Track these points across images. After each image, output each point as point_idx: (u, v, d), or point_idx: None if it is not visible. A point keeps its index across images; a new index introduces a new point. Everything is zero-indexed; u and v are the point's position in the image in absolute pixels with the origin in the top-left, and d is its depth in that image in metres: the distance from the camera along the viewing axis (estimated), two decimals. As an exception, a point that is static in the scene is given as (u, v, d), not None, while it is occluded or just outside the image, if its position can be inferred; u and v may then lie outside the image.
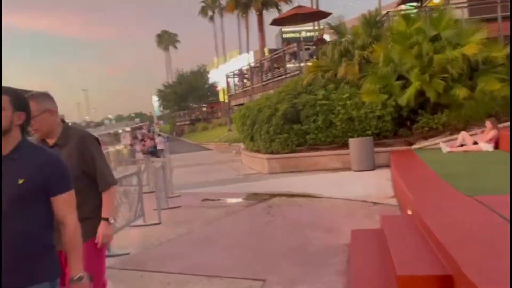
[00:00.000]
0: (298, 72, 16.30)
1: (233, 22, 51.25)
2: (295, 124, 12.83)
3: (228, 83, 26.56)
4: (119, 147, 23.69)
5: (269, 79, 18.98)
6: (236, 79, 24.95)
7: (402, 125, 12.55)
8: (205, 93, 54.13)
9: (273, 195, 8.67)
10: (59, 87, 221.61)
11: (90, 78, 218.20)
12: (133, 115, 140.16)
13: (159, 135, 28.28)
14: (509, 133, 8.53)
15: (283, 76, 17.37)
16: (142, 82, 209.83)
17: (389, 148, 11.78)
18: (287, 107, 12.99)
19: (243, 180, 11.87)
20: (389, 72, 12.23)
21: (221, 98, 43.93)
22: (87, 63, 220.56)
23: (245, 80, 22.99)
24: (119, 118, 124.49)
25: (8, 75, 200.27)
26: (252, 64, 22.72)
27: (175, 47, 75.52)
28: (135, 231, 6.54)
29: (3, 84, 2.05)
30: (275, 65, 18.65)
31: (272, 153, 13.15)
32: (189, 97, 53.30)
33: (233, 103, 25.93)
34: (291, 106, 13.07)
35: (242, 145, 18.24)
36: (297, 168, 12.42)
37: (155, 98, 67.51)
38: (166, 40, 74.26)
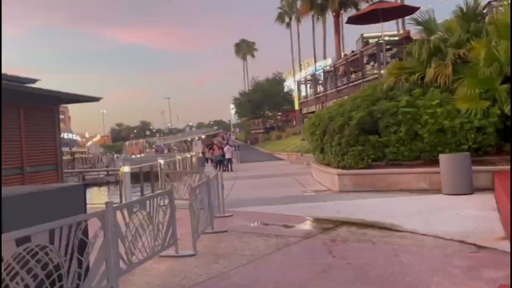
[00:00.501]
0: (377, 76, 14.34)
1: (311, 29, 49.62)
2: (372, 135, 11.00)
3: (299, 90, 25.09)
4: (189, 155, 23.26)
5: (344, 84, 17.18)
6: (309, 85, 23.39)
7: (508, 138, 10.12)
8: (280, 101, 53.07)
9: (340, 223, 7.02)
10: (148, 96, 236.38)
11: (178, 88, 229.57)
12: (212, 122, 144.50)
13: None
14: None
15: (360, 81, 15.51)
16: (223, 91, 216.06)
17: (491, 167, 9.50)
18: (362, 115, 11.21)
19: (308, 198, 10.29)
20: (492, 74, 9.96)
21: (296, 107, 42.51)
22: (176, 74, 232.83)
23: (318, 87, 21.35)
24: (200, 126, 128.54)
25: (105, 84, 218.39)
26: (326, 68, 21.03)
27: (253, 55, 75.88)
28: (161, 264, 5.33)
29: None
30: (352, 69, 16.80)
31: (344, 168, 11.43)
32: (264, 105, 52.58)
33: (304, 110, 24.40)
34: (367, 114, 11.26)
35: (313, 157, 16.64)
36: (373, 187, 10.56)
37: (232, 107, 68.11)
38: (244, 49, 74.80)
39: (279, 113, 57.45)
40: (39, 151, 9.55)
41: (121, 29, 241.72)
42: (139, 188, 14.17)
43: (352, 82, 16.20)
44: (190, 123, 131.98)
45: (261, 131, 55.45)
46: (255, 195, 11.48)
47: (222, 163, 22.59)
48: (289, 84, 52.01)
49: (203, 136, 58.85)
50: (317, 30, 45.48)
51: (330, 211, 8.18)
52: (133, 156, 49.16)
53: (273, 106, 53.43)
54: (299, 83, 24.42)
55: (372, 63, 15.59)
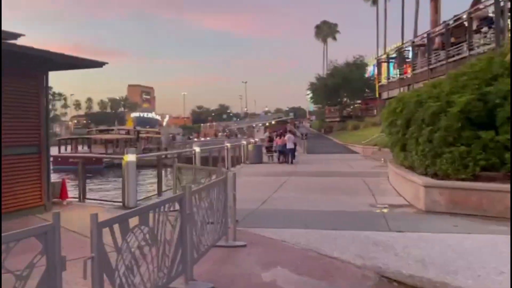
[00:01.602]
0: (493, 47, 10.13)
1: (400, 5, 43.82)
2: (484, 131, 7.21)
3: (380, 71, 20.85)
4: (244, 142, 20.49)
5: (440, 61, 12.97)
6: (393, 65, 19.13)
7: None
8: (360, 88, 48.01)
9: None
10: (228, 81, 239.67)
11: (258, 73, 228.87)
12: (286, 109, 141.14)
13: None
14: None
15: (465, 55, 11.30)
16: (303, 76, 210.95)
17: None
18: (470, 99, 7.42)
19: (375, 222, 6.83)
20: None
21: (377, 94, 37.79)
22: (258, 59, 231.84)
23: (405, 66, 17.10)
24: (278, 111, 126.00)
25: (187, 70, 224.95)
26: (417, 41, 16.67)
27: (335, 38, 70.71)
28: None
29: None
30: (453, 39, 12.56)
31: (435, 176, 7.80)
32: (341, 91, 47.93)
33: (385, 95, 20.21)
34: (478, 98, 7.44)
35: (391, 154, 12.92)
36: (480, 210, 6.85)
37: (308, 92, 64.10)
38: (326, 31, 69.93)
39: (358, 101, 52.45)
40: (14, 130, 7.24)
41: (206, 15, 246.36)
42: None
43: (453, 56, 12.01)
44: (266, 108, 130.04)
45: (337, 119, 51.09)
46: (301, 205, 8.25)
47: (282, 153, 19.47)
48: (372, 69, 46.79)
49: (273, 122, 55.96)
50: (408, 4, 39.77)
51: (408, 256, 4.74)
52: (195, 139, 47.82)
53: (352, 92, 48.53)
54: (379, 61, 20.18)
55: (485, 29, 11.27)
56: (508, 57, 7.47)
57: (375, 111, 47.04)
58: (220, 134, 64.95)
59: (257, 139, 23.78)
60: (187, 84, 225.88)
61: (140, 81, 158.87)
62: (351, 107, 51.93)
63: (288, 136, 20.07)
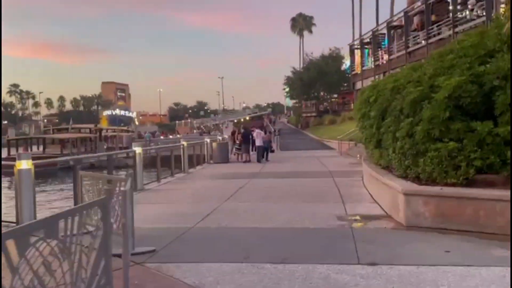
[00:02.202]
0: (482, 19, 8.56)
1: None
2: (479, 122, 5.61)
3: (354, 59, 19.25)
4: (208, 139, 18.65)
5: (419, 43, 11.41)
6: (368, 52, 17.54)
7: None
8: (337, 81, 46.61)
9: None
10: (206, 77, 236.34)
11: (236, 70, 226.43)
12: (269, 104, 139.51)
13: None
14: None
15: (449, 33, 9.73)
16: (282, 72, 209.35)
17: None
18: (460, 81, 5.79)
19: (340, 247, 5.11)
20: None
21: (352, 84, 36.38)
22: (235, 55, 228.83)
23: (380, 52, 15.54)
24: (257, 108, 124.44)
25: (164, 67, 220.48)
26: (393, 21, 15.07)
27: (311, 31, 69.10)
28: None
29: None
30: (433, 18, 11.00)
31: (417, 180, 6.19)
32: (316, 85, 46.34)
33: (359, 85, 18.64)
34: (470, 80, 5.82)
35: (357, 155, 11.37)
36: (477, 225, 5.27)
37: (285, 87, 62.39)
38: (301, 24, 68.35)
39: (335, 95, 51.10)
40: None
41: (181, 11, 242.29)
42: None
43: (434, 36, 10.43)
44: (244, 104, 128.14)
45: (314, 114, 49.66)
46: (251, 220, 6.50)
47: (263, 152, 17.57)
48: (348, 62, 45.38)
49: (247, 118, 54.17)
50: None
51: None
52: (161, 137, 45.54)
53: (328, 86, 47.02)
54: (352, 48, 18.59)
55: (472, 1, 9.69)
56: (508, 26, 5.85)
57: (352, 104, 45.83)
58: (195, 131, 62.95)
59: (225, 136, 21.96)
60: (165, 82, 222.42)
61: (115, 79, 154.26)
62: (328, 101, 50.54)
63: (256, 132, 18.33)
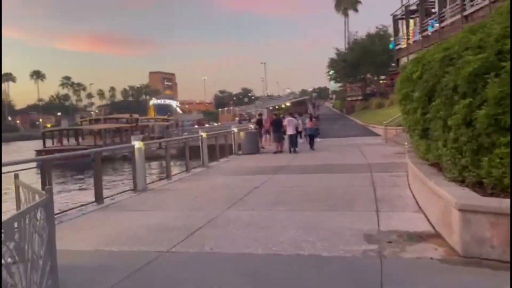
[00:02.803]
0: None
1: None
2: None
3: (398, 31, 16.78)
4: (235, 129, 17.11)
5: (478, 4, 9.10)
6: (414, 21, 15.06)
7: None
8: (384, 61, 43.27)
9: None
10: (252, 64, 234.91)
11: (282, 54, 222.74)
12: (315, 89, 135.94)
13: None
14: None
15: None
16: (327, 54, 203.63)
17: None
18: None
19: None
20: None
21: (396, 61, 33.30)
22: (281, 40, 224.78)
23: (429, 20, 13.10)
24: (303, 93, 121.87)
25: (210, 54, 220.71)
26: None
27: (356, 9, 65.23)
28: None
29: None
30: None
31: (479, 186, 4.32)
32: (361, 66, 43.19)
33: (404, 60, 16.23)
34: None
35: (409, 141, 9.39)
36: None
37: (328, 70, 59.33)
38: (346, 2, 64.69)
39: (383, 76, 47.67)
40: None
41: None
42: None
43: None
44: (288, 90, 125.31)
45: (359, 98, 46.67)
46: (246, 240, 4.90)
47: (295, 141, 15.82)
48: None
49: (287, 104, 52.03)
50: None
51: None
52: (195, 126, 44.46)
53: (375, 67, 43.73)
54: (395, 18, 16.13)
55: None
56: None
57: (402, 86, 42.48)
58: (237, 119, 61.82)
59: (251, 126, 20.34)
60: (211, 69, 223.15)
61: (162, 68, 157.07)
62: (375, 83, 47.25)
63: (288, 119, 16.54)
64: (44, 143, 31.00)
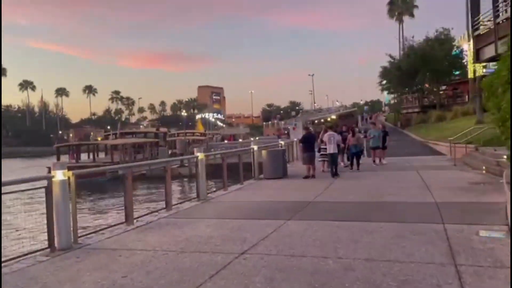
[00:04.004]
0: None
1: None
2: None
3: (475, 11, 12.59)
4: (255, 147, 13.66)
5: None
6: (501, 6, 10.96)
7: None
8: (445, 69, 38.02)
9: None
10: (300, 77, 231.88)
11: (333, 67, 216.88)
12: (367, 102, 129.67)
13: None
14: None
15: None
16: (378, 65, 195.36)
17: None
18: None
19: None
20: None
21: (470, 74, 28.27)
22: (331, 53, 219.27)
23: None
24: (355, 106, 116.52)
25: (259, 68, 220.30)
26: None
27: (412, 14, 59.90)
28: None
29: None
30: None
31: None
32: (419, 75, 38.06)
33: (488, 53, 12.06)
34: None
35: (504, 157, 5.52)
36: None
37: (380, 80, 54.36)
38: (400, 7, 59.67)
39: (443, 86, 42.23)
40: None
41: (268, 13, 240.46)
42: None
43: None
44: (338, 103, 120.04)
45: (416, 110, 41.60)
46: None
47: (333, 160, 12.33)
48: (465, 46, 36.05)
49: (333, 117, 47.76)
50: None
51: None
52: (225, 141, 41.39)
53: (434, 75, 38.60)
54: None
55: None
56: None
57: (467, 97, 37.04)
58: (274, 134, 58.57)
59: (282, 142, 16.77)
60: (260, 83, 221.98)
61: (211, 83, 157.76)
62: (434, 94, 41.95)
63: (328, 134, 12.89)
64: (58, 157, 29.10)
